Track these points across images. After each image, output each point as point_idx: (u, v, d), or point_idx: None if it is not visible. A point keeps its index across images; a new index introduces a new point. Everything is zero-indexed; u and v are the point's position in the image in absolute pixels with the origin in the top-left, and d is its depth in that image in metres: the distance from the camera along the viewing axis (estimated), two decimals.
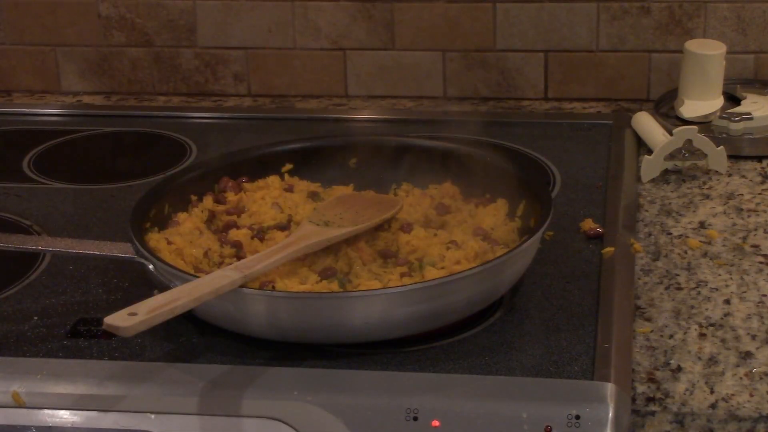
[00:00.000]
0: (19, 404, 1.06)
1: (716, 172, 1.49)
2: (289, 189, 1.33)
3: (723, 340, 1.14)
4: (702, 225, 1.36)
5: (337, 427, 1.02)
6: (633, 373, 1.08)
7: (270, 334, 1.09)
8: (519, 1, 1.70)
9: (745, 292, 1.22)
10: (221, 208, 1.28)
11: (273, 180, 1.33)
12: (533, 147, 1.55)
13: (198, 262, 1.19)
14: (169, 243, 1.20)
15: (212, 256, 1.20)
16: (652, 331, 1.15)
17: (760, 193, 1.44)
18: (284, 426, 1.03)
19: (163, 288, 1.09)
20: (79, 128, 1.69)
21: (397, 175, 1.35)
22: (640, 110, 1.61)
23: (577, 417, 1.01)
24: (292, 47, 1.78)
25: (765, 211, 1.39)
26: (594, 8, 1.70)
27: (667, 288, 1.23)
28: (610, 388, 1.03)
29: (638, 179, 1.47)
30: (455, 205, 1.29)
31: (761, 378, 1.07)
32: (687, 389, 1.06)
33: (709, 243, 1.32)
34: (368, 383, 1.05)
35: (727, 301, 1.20)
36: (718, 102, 1.57)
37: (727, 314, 1.18)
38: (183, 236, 1.22)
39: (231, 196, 1.30)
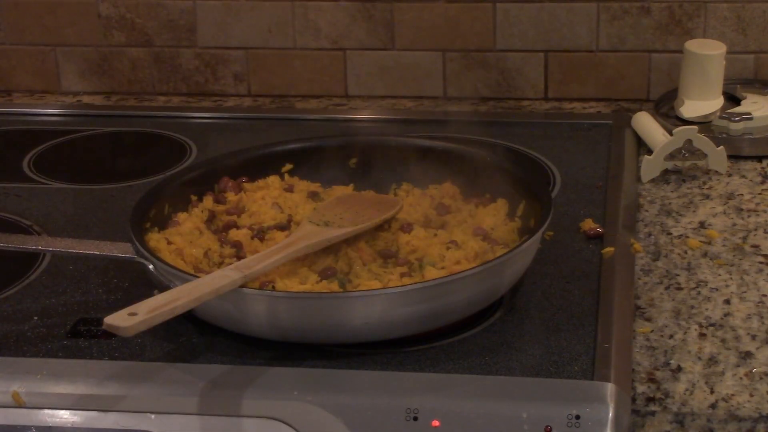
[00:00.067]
0: (19, 404, 1.06)
1: (716, 172, 1.49)
2: (289, 189, 1.33)
3: (723, 340, 1.14)
4: (702, 225, 1.36)
5: (337, 427, 1.02)
6: (633, 373, 1.08)
7: (270, 334, 1.09)
8: (519, 1, 1.70)
9: (745, 292, 1.22)
10: (221, 208, 1.28)
11: (273, 180, 1.33)
12: (533, 147, 1.55)
13: (198, 262, 1.19)
14: (169, 243, 1.20)
15: (212, 256, 1.20)
16: (652, 331, 1.15)
17: (760, 193, 1.44)
18: (284, 426, 1.03)
19: (163, 288, 1.09)
20: (79, 128, 1.69)
21: (397, 175, 1.35)
22: (640, 110, 1.61)
23: (577, 417, 1.01)
24: (292, 47, 1.78)
25: (765, 211, 1.39)
26: (594, 8, 1.70)
27: (667, 288, 1.23)
28: (610, 388, 1.03)
29: (638, 179, 1.47)
30: (455, 205, 1.29)
31: (761, 378, 1.07)
32: (687, 389, 1.06)
33: (709, 243, 1.32)
34: (368, 383, 1.05)
35: (727, 301, 1.20)
36: (718, 102, 1.57)
37: (727, 314, 1.18)
38: (183, 236, 1.22)
39: (231, 196, 1.30)
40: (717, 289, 1.23)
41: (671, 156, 1.48)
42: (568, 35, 1.71)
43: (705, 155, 1.48)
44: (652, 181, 1.47)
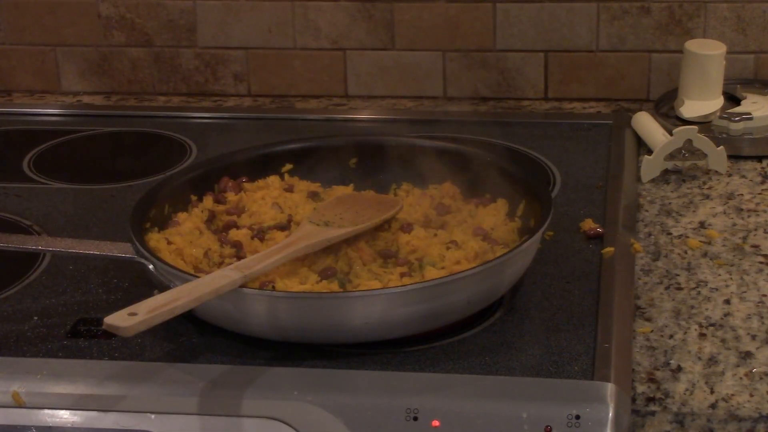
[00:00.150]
0: (19, 404, 1.06)
1: (716, 172, 1.49)
2: (289, 189, 1.33)
3: (723, 340, 1.14)
4: (702, 225, 1.36)
5: (337, 427, 1.02)
6: (633, 373, 1.08)
7: (270, 334, 1.09)
8: (519, 1, 1.70)
9: (745, 292, 1.22)
10: (221, 208, 1.29)
11: (273, 180, 1.33)
12: (533, 147, 1.55)
13: (198, 262, 1.19)
14: (169, 243, 1.20)
15: (212, 256, 1.20)
16: (652, 331, 1.15)
17: (760, 193, 1.44)
18: (284, 426, 1.03)
19: (163, 288, 1.09)
20: (79, 128, 1.69)
21: (397, 175, 1.35)
22: (640, 110, 1.61)
23: (577, 417, 1.01)
24: (292, 47, 1.78)
25: (765, 211, 1.39)
26: (594, 8, 1.70)
27: (667, 288, 1.23)
28: (610, 388, 1.03)
29: (638, 179, 1.47)
30: (455, 205, 1.29)
31: (761, 378, 1.07)
32: (687, 389, 1.06)
33: (709, 243, 1.32)
34: (368, 383, 1.05)
35: (727, 301, 1.20)
36: (718, 102, 1.57)
37: (727, 314, 1.18)
38: (183, 236, 1.22)
39: (231, 196, 1.30)
40: (717, 289, 1.23)
41: (671, 156, 1.48)
42: (568, 35, 1.71)
43: (705, 155, 1.48)
44: (652, 181, 1.47)
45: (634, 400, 1.05)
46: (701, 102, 1.57)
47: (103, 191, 1.47)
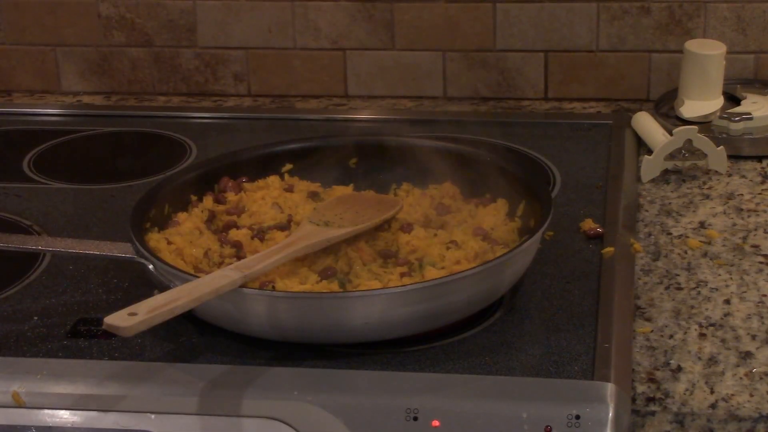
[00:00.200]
0: (19, 404, 1.06)
1: (716, 172, 1.49)
2: (289, 189, 1.33)
3: (723, 340, 1.14)
4: (702, 225, 1.36)
5: (337, 427, 1.02)
6: (633, 373, 1.08)
7: (270, 334, 1.09)
8: (519, 1, 1.70)
9: (745, 292, 1.22)
10: (221, 208, 1.29)
11: (273, 180, 1.33)
12: (533, 147, 1.55)
13: (198, 262, 1.19)
14: (169, 243, 1.20)
15: (212, 256, 1.20)
16: (652, 331, 1.15)
17: (760, 193, 1.44)
18: (284, 426, 1.03)
19: (163, 288, 1.09)
20: (79, 128, 1.69)
21: (397, 175, 1.35)
22: (640, 110, 1.61)
23: (577, 417, 1.01)
24: (292, 47, 1.78)
25: (765, 211, 1.39)
26: (594, 8, 1.70)
27: (667, 288, 1.23)
28: (610, 388, 1.03)
29: (638, 179, 1.47)
30: (455, 205, 1.29)
31: (761, 378, 1.07)
32: (687, 389, 1.06)
33: (709, 243, 1.32)
34: (368, 383, 1.05)
35: (727, 301, 1.20)
36: (718, 102, 1.57)
37: (727, 314, 1.18)
38: (183, 236, 1.22)
39: (231, 196, 1.30)
40: (717, 289, 1.23)
41: (671, 156, 1.48)
42: (568, 35, 1.71)
43: (705, 155, 1.48)
44: (652, 181, 1.47)
45: (634, 400, 1.05)
46: (701, 102, 1.57)
47: (103, 191, 1.47)
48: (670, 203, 1.42)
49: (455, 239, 1.20)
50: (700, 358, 1.11)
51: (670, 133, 1.48)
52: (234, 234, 1.23)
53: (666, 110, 1.62)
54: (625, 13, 1.69)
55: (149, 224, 1.22)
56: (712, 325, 1.16)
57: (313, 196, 1.32)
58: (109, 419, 1.05)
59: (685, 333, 1.15)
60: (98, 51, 1.82)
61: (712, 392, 1.06)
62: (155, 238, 1.20)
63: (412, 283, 1.09)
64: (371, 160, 1.36)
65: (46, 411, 1.06)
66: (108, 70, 1.83)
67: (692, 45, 1.58)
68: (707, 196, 1.43)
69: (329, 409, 1.03)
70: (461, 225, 1.25)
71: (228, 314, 1.09)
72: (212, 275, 1.07)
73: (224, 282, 1.06)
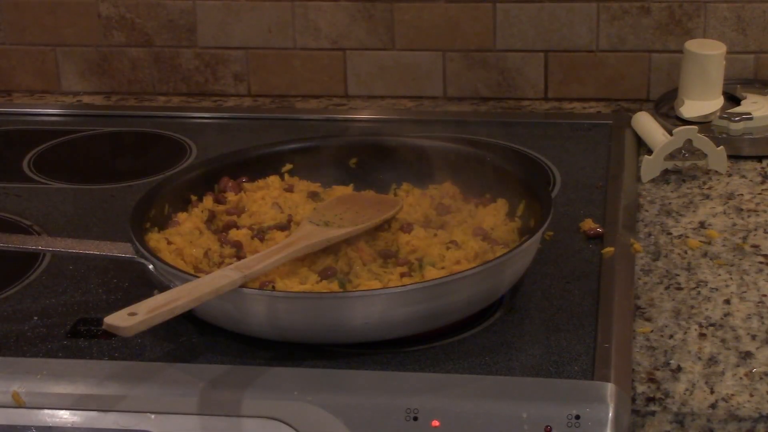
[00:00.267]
0: (19, 404, 1.06)
1: (716, 172, 1.49)
2: (289, 189, 1.33)
3: (723, 340, 1.14)
4: (702, 225, 1.36)
5: (337, 427, 1.02)
6: (633, 373, 1.08)
7: (270, 334, 1.09)
8: (519, 1, 1.70)
9: (745, 292, 1.22)
10: (221, 208, 1.29)
11: (273, 180, 1.33)
12: (533, 147, 1.55)
13: (198, 262, 1.19)
14: (169, 243, 1.20)
15: (212, 256, 1.20)
16: (652, 331, 1.15)
17: (760, 193, 1.44)
18: (284, 426, 1.03)
19: (163, 288, 1.09)
20: (79, 128, 1.69)
21: (397, 175, 1.35)
22: (640, 110, 1.61)
23: (577, 417, 1.01)
24: (292, 47, 1.78)
25: (765, 211, 1.39)
26: (594, 8, 1.70)
27: (667, 288, 1.23)
28: (610, 388, 1.03)
29: (638, 179, 1.47)
30: (455, 205, 1.29)
31: (761, 378, 1.07)
32: (687, 389, 1.06)
33: (709, 243, 1.32)
34: (368, 383, 1.05)
35: (727, 301, 1.20)
36: (718, 102, 1.57)
37: (727, 314, 1.18)
38: (183, 236, 1.22)
39: (231, 196, 1.30)
40: (717, 289, 1.23)
41: (671, 156, 1.48)
42: (568, 35, 1.71)
43: (705, 155, 1.48)
44: (652, 181, 1.47)
45: (634, 400, 1.05)
46: (701, 102, 1.57)
47: (103, 191, 1.47)
48: (670, 203, 1.42)
49: (455, 239, 1.20)
50: (700, 358, 1.11)
51: (670, 133, 1.48)
52: (234, 234, 1.23)
53: (666, 110, 1.62)
54: (625, 13, 1.69)
55: (149, 224, 1.22)
56: (712, 325, 1.16)
57: (313, 196, 1.32)
58: (109, 419, 1.05)
59: (685, 333, 1.15)
60: (98, 51, 1.82)
61: (712, 392, 1.06)
62: (155, 238, 1.20)
63: (412, 283, 1.09)
64: (371, 160, 1.36)
65: (46, 411, 1.06)
66: (108, 70, 1.83)
67: (692, 45, 1.58)
68: (707, 196, 1.43)
69: (329, 409, 1.03)
70: (461, 225, 1.25)
71: (228, 314, 1.09)
72: (212, 275, 1.07)
73: (224, 282, 1.06)
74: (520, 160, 1.46)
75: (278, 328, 1.08)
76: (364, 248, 1.19)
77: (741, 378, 1.08)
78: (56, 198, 1.46)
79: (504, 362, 1.07)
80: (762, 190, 1.45)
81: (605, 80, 1.73)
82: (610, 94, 1.74)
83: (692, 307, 1.19)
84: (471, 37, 1.73)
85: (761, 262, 1.27)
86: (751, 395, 1.05)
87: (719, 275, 1.25)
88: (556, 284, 1.21)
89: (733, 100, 1.60)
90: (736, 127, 1.54)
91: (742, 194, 1.43)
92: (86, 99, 1.83)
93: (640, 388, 1.06)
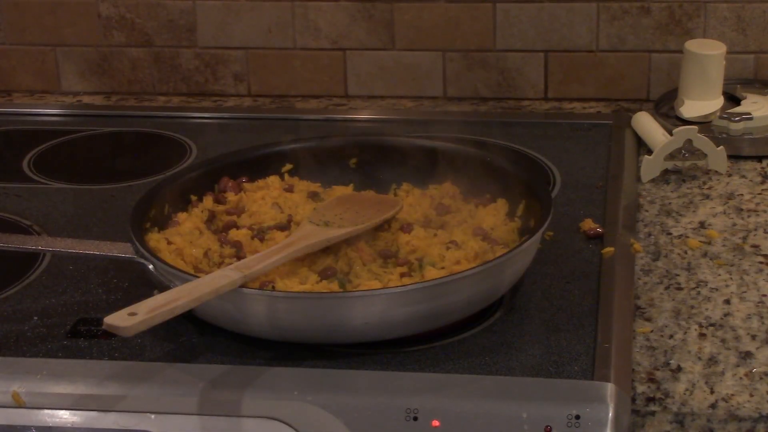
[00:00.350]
0: (19, 404, 1.06)
1: (716, 172, 1.49)
2: (289, 189, 1.33)
3: (723, 340, 1.14)
4: (702, 225, 1.36)
5: (337, 427, 1.02)
6: (633, 373, 1.08)
7: (270, 334, 1.09)
8: (519, 1, 1.70)
9: (745, 292, 1.22)
10: (221, 208, 1.29)
11: (273, 180, 1.33)
12: (533, 147, 1.55)
13: (198, 262, 1.19)
14: (169, 243, 1.20)
15: (212, 256, 1.20)
16: (652, 331, 1.15)
17: (760, 193, 1.44)
18: (284, 426, 1.03)
19: (163, 288, 1.09)
20: (79, 128, 1.69)
21: (397, 175, 1.35)
22: (640, 110, 1.61)
23: (577, 417, 1.01)
24: (292, 47, 1.78)
25: (765, 211, 1.39)
26: (594, 8, 1.70)
27: (667, 288, 1.23)
28: (610, 388, 1.03)
29: (638, 179, 1.47)
30: (455, 205, 1.29)
31: (761, 378, 1.07)
32: (687, 389, 1.06)
33: (709, 243, 1.32)
34: (368, 383, 1.05)
35: (727, 301, 1.20)
36: (718, 102, 1.57)
37: (727, 314, 1.18)
38: (183, 236, 1.22)
39: (231, 196, 1.30)
40: (717, 289, 1.23)
41: (671, 156, 1.48)
42: (568, 35, 1.71)
43: (705, 155, 1.48)
44: (652, 181, 1.47)
45: (634, 400, 1.05)
46: (701, 102, 1.57)
47: (103, 191, 1.47)
48: (670, 203, 1.42)
49: (455, 239, 1.20)
50: (700, 358, 1.11)
51: (670, 133, 1.48)
52: (234, 234, 1.23)
53: (666, 110, 1.62)
54: (625, 13, 1.69)
55: (149, 224, 1.22)
56: (712, 325, 1.16)
57: (313, 196, 1.32)
58: (109, 419, 1.05)
59: (685, 333, 1.15)
60: (98, 51, 1.82)
61: (712, 392, 1.06)
62: (155, 238, 1.20)
63: (412, 283, 1.09)
64: (371, 160, 1.36)
65: (46, 411, 1.06)
66: (108, 70, 1.83)
67: (692, 45, 1.58)
68: (707, 196, 1.43)
69: (329, 409, 1.03)
70: (461, 225, 1.25)
71: (228, 314, 1.09)
72: (212, 275, 1.07)
73: (224, 282, 1.06)
74: (520, 160, 1.46)
75: (278, 328, 1.08)
76: (364, 248, 1.19)
77: (741, 378, 1.08)
78: (56, 198, 1.46)
79: (504, 362, 1.07)
80: (762, 190, 1.45)
81: (605, 80, 1.73)
82: (610, 94, 1.74)
83: (692, 307, 1.19)
84: (471, 37, 1.73)
85: (761, 262, 1.27)
86: (751, 395, 1.05)
87: (719, 275, 1.25)
88: (556, 284, 1.21)
89: (733, 100, 1.60)
90: (736, 127, 1.54)
91: (742, 194, 1.43)
92: (86, 99, 1.83)
93: (640, 388, 1.06)
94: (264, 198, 1.30)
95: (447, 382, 1.05)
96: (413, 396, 1.03)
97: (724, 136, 1.53)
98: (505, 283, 1.14)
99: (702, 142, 1.47)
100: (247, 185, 1.32)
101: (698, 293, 1.22)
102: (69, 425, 1.05)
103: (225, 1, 1.76)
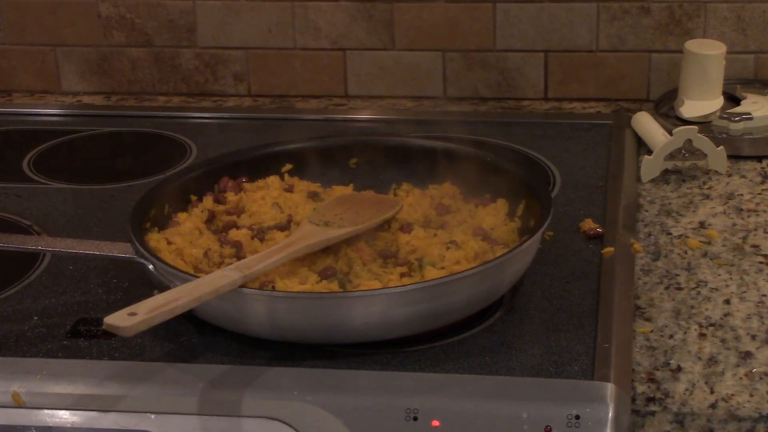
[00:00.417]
0: (19, 404, 1.06)
1: (716, 172, 1.49)
2: (289, 189, 1.33)
3: (723, 340, 1.14)
4: (702, 225, 1.36)
5: (337, 427, 1.02)
6: (633, 373, 1.08)
7: (270, 334, 1.09)
8: (519, 1, 1.70)
9: (745, 292, 1.22)
10: (221, 208, 1.29)
11: (273, 180, 1.33)
12: (533, 147, 1.55)
13: (198, 262, 1.19)
14: (169, 243, 1.20)
15: (212, 256, 1.20)
16: (652, 331, 1.15)
17: (760, 193, 1.44)
18: (284, 426, 1.03)
19: (163, 288, 1.09)
20: (79, 128, 1.69)
21: (397, 175, 1.35)
22: (640, 110, 1.61)
23: (577, 417, 1.01)
24: (292, 47, 1.78)
25: (765, 211, 1.39)
26: (594, 8, 1.70)
27: (667, 288, 1.23)
28: (610, 388, 1.03)
29: (638, 179, 1.47)
30: (455, 205, 1.29)
31: (761, 378, 1.07)
32: (687, 389, 1.06)
33: (709, 243, 1.32)
34: (368, 383, 1.05)
35: (727, 301, 1.20)
36: (718, 102, 1.57)
37: (727, 314, 1.18)
38: (183, 236, 1.22)
39: (231, 196, 1.30)
40: (717, 289, 1.23)
41: (671, 156, 1.48)
42: (568, 35, 1.71)
43: (705, 155, 1.48)
44: (652, 181, 1.47)
45: (634, 400, 1.05)
46: (701, 102, 1.57)
47: (103, 191, 1.47)
48: (670, 203, 1.42)
49: (455, 239, 1.20)
50: (700, 358, 1.11)
51: (670, 133, 1.48)
52: (234, 234, 1.23)
53: (666, 110, 1.62)
54: (625, 13, 1.69)
55: (149, 224, 1.22)
56: (712, 325, 1.16)
57: (313, 196, 1.32)
58: (109, 419, 1.05)
59: (685, 333, 1.15)
60: (98, 51, 1.82)
61: (712, 392, 1.06)
62: (155, 238, 1.20)
63: (412, 283, 1.09)
64: (371, 160, 1.36)
65: (46, 411, 1.06)
66: (108, 70, 1.83)
67: (692, 45, 1.58)
68: (707, 196, 1.43)
69: (329, 409, 1.03)
70: (461, 225, 1.25)
71: (228, 314, 1.09)
72: (212, 275, 1.07)
73: (224, 282, 1.06)
74: (520, 160, 1.46)
75: (278, 328, 1.08)
76: (364, 248, 1.19)
77: (741, 378, 1.08)
78: (56, 198, 1.46)
79: (504, 362, 1.07)
80: (762, 190, 1.45)
81: (605, 80, 1.73)
82: (610, 94, 1.74)
83: (692, 307, 1.19)
84: (471, 37, 1.73)
85: (761, 262, 1.27)
86: (751, 395, 1.05)
87: (719, 275, 1.25)
88: (556, 284, 1.21)
89: (733, 100, 1.60)
90: (736, 127, 1.54)
91: (742, 194, 1.43)
92: (86, 99, 1.83)
93: (640, 388, 1.06)
94: (264, 198, 1.30)
95: (447, 382, 1.05)
96: (413, 396, 1.03)
97: (724, 136, 1.53)
98: (505, 283, 1.14)
99: (702, 142, 1.47)
100: (247, 185, 1.32)
101: (698, 293, 1.22)
102: (69, 425, 1.06)
103: (225, 1, 1.76)
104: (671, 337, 1.14)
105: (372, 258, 1.18)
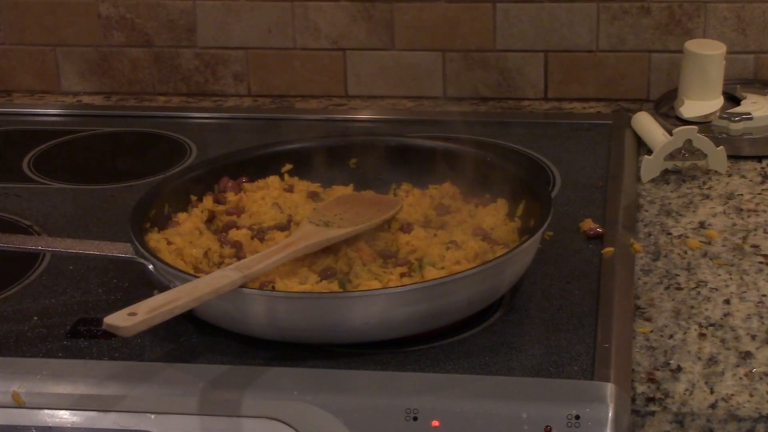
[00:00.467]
0: (19, 404, 1.06)
1: (716, 172, 1.49)
2: (289, 189, 1.33)
3: (723, 340, 1.14)
4: (702, 225, 1.36)
5: (337, 427, 1.02)
6: (633, 373, 1.08)
7: (270, 334, 1.09)
8: (519, 1, 1.70)
9: (745, 292, 1.22)
10: (221, 208, 1.29)
11: (273, 180, 1.33)
12: (533, 147, 1.55)
13: (198, 262, 1.19)
14: (168, 243, 1.20)
15: (212, 256, 1.20)
16: (652, 331, 1.15)
17: (760, 193, 1.44)
18: (284, 426, 1.03)
19: (163, 288, 1.09)
20: (79, 128, 1.69)
21: (397, 175, 1.35)
22: (640, 110, 1.61)
23: (577, 417, 1.01)
24: (292, 47, 1.78)
25: (765, 211, 1.39)
26: (594, 8, 1.70)
27: (667, 288, 1.23)
28: (610, 388, 1.03)
29: (638, 179, 1.47)
30: (455, 205, 1.29)
31: (761, 378, 1.07)
32: (687, 389, 1.06)
33: (709, 243, 1.32)
34: (368, 383, 1.05)
35: (727, 301, 1.20)
36: (718, 102, 1.57)
37: (727, 314, 1.18)
38: (183, 236, 1.22)
39: (231, 196, 1.30)
40: (717, 289, 1.23)
41: (671, 156, 1.48)
42: (568, 35, 1.71)
43: (705, 155, 1.48)
44: (652, 181, 1.47)
45: (634, 400, 1.05)
46: (701, 102, 1.57)
47: (103, 191, 1.47)
48: (670, 203, 1.42)
49: (455, 239, 1.20)
50: (700, 358, 1.11)
51: (670, 133, 1.48)
52: (234, 234, 1.23)
53: (666, 110, 1.62)
54: (625, 13, 1.69)
55: (149, 224, 1.22)
56: (711, 325, 1.16)
57: (313, 196, 1.32)
58: (109, 419, 1.05)
59: (685, 333, 1.15)
60: (98, 51, 1.82)
61: (711, 392, 1.06)
62: (155, 238, 1.20)
63: (412, 283, 1.09)
64: (371, 160, 1.36)
65: (46, 411, 1.06)
66: (108, 70, 1.83)
67: (692, 45, 1.58)
68: (707, 196, 1.43)
69: (329, 409, 1.03)
70: (461, 225, 1.25)
71: (228, 314, 1.09)
72: (212, 275, 1.07)
73: (224, 282, 1.06)
74: (520, 160, 1.46)
75: (278, 328, 1.08)
76: (364, 248, 1.19)
77: (741, 378, 1.08)
78: (56, 198, 1.46)
79: (504, 362, 1.07)
80: (762, 190, 1.45)
81: (605, 80, 1.73)
82: (610, 94, 1.74)
83: (692, 307, 1.19)
84: (471, 37, 1.73)
85: (761, 262, 1.27)
86: (751, 395, 1.05)
87: (719, 275, 1.25)
88: (556, 284, 1.21)
89: (733, 100, 1.60)
90: (736, 127, 1.54)
91: (742, 194, 1.43)
92: (86, 99, 1.83)
93: (640, 388, 1.06)
94: (264, 198, 1.30)
95: (447, 382, 1.05)
96: (413, 396, 1.03)
97: (724, 136, 1.53)
98: (505, 283, 1.14)
99: (702, 142, 1.47)
100: (247, 185, 1.32)
101: (698, 293, 1.22)
102: (69, 425, 1.05)
103: (225, 1, 1.76)
104: (671, 337, 1.14)
105: (372, 258, 1.18)
